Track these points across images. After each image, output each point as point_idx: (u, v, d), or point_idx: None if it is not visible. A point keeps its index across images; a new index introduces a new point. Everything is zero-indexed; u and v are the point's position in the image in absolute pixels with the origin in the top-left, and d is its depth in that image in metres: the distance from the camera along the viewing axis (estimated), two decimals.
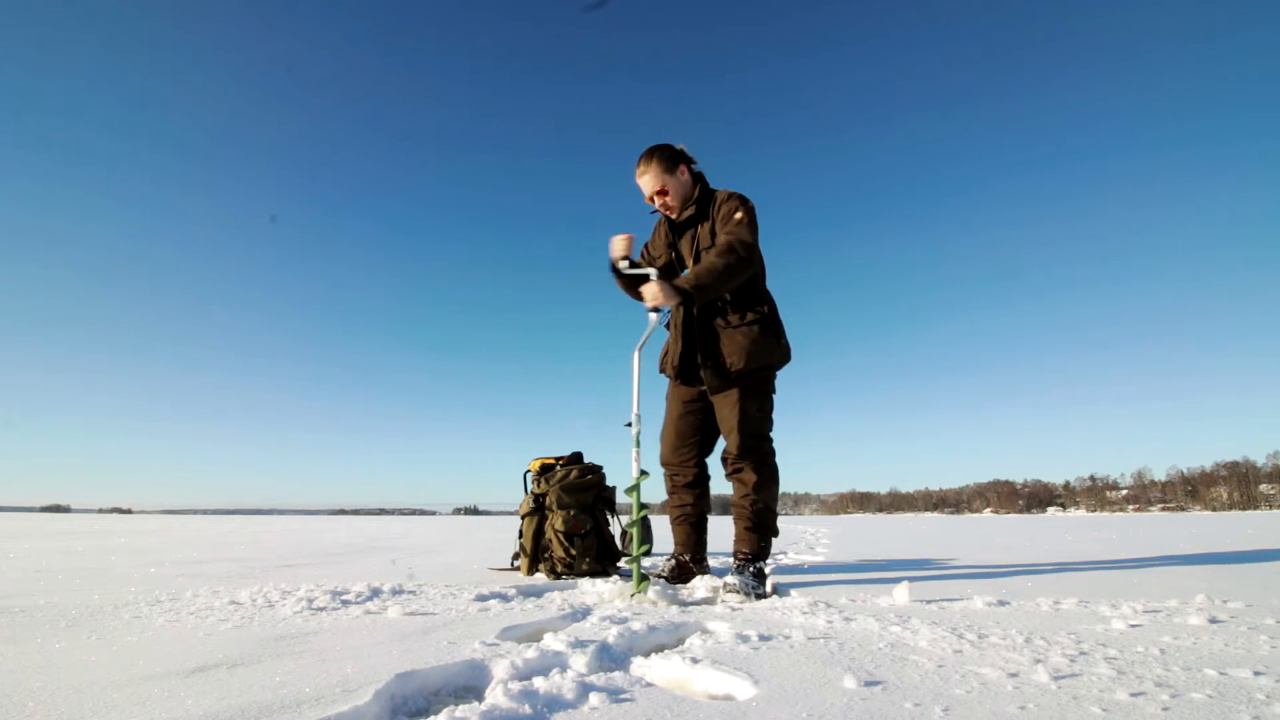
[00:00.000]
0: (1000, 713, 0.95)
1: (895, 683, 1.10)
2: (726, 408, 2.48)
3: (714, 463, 2.70)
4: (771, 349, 2.46)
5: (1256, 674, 1.12)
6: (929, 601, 2.02)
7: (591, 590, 2.39)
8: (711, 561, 3.73)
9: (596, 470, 3.18)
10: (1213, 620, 1.64)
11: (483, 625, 1.65)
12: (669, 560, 2.61)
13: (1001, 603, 1.96)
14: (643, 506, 2.38)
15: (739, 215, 2.42)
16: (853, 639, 1.46)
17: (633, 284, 2.60)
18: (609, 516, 3.17)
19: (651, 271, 2.46)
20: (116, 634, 1.55)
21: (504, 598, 2.20)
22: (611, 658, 1.30)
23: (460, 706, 0.97)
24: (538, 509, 3.08)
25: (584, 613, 1.91)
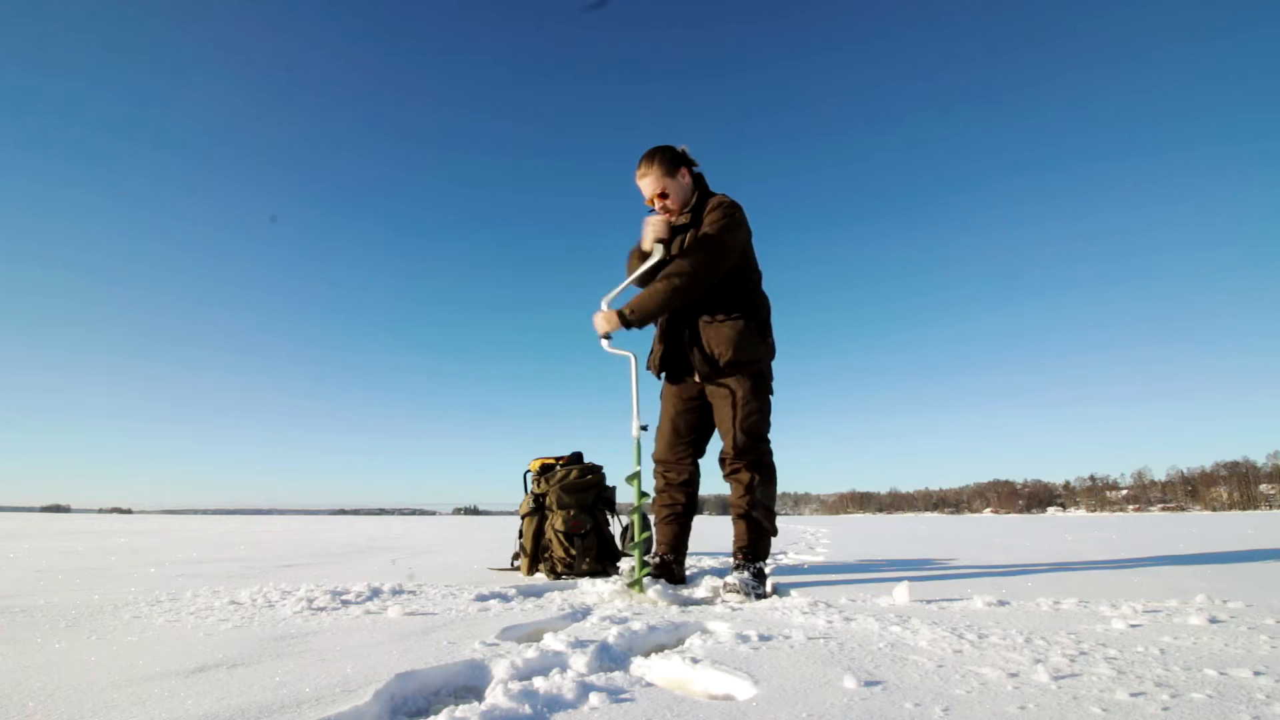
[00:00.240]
0: (1000, 713, 0.95)
1: (895, 683, 1.10)
2: (724, 407, 2.48)
3: (707, 465, 2.70)
4: (756, 345, 2.47)
5: (1256, 674, 1.12)
6: (929, 601, 2.02)
7: (591, 590, 2.39)
8: (711, 561, 3.74)
9: (596, 470, 3.18)
10: (1213, 620, 1.64)
11: (483, 625, 1.65)
12: (653, 558, 2.60)
13: (1001, 603, 1.96)
14: (644, 495, 2.38)
15: (707, 230, 2.43)
16: (853, 639, 1.46)
17: (644, 275, 2.62)
18: (609, 516, 3.17)
19: (604, 300, 2.52)
20: (116, 634, 1.55)
21: (504, 598, 2.20)
22: (611, 658, 1.30)
23: (460, 706, 0.97)
24: (538, 509, 3.08)
25: (584, 613, 1.91)
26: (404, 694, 1.11)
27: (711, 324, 2.47)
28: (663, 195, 2.51)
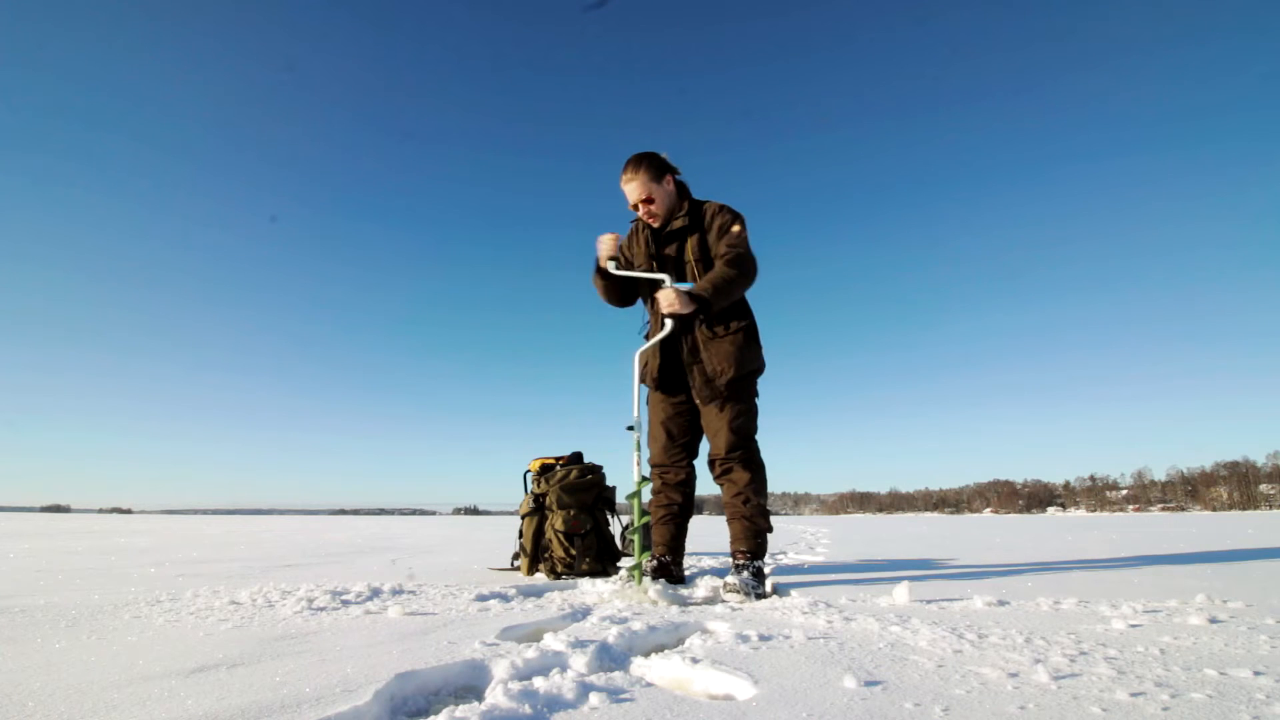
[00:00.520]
0: (1000, 713, 0.95)
1: (895, 683, 1.10)
2: (713, 409, 2.52)
3: (701, 466, 2.71)
4: (755, 356, 2.55)
5: (1256, 674, 1.12)
6: (929, 601, 2.02)
7: (591, 590, 2.39)
8: (710, 561, 3.74)
9: (596, 470, 3.18)
10: (1213, 620, 1.64)
11: (483, 625, 1.65)
12: (650, 560, 2.60)
13: (1001, 603, 1.96)
14: (645, 513, 2.40)
15: (736, 229, 2.48)
16: (853, 639, 1.46)
17: (617, 286, 2.63)
18: (609, 516, 3.17)
19: (665, 277, 2.47)
20: (116, 634, 1.55)
21: (504, 598, 2.20)
22: (611, 658, 1.30)
23: (460, 706, 0.97)
24: (538, 509, 3.08)
25: (584, 613, 1.91)
26: (404, 694, 1.10)
27: (714, 339, 2.49)
28: (648, 201, 2.53)
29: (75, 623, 1.70)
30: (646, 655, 1.33)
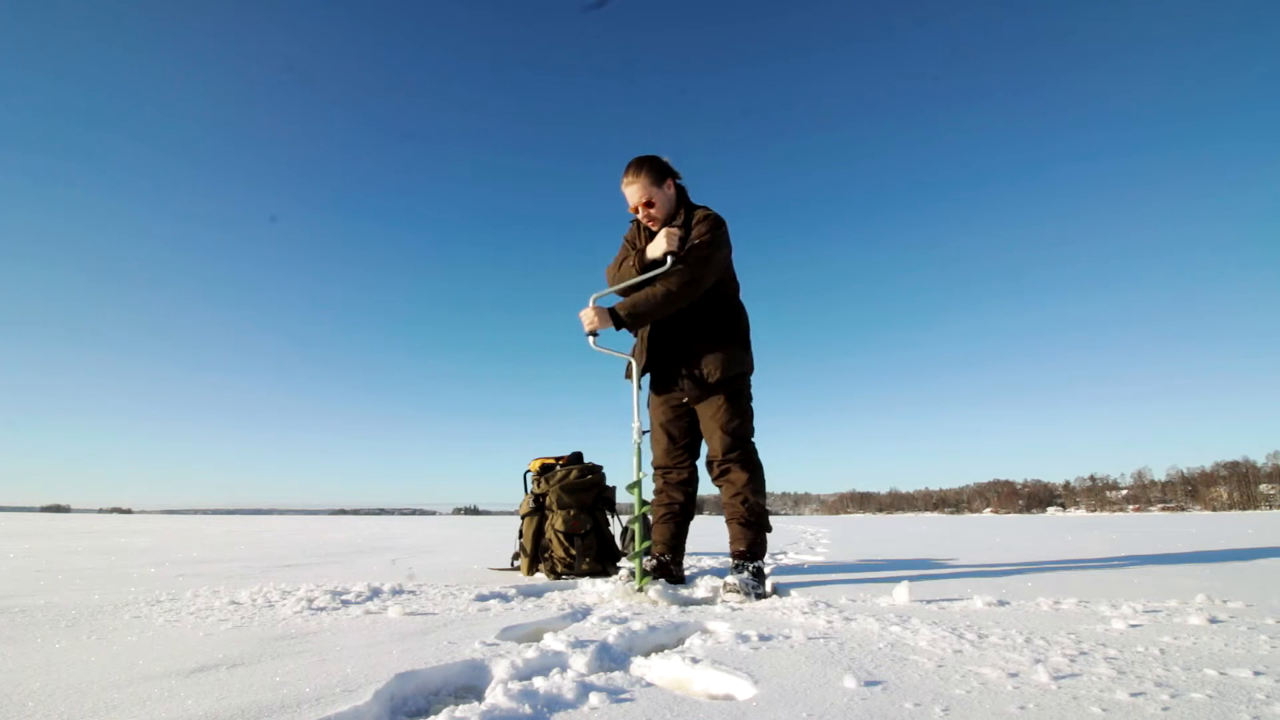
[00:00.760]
0: (1000, 713, 0.95)
1: (895, 683, 1.10)
2: (710, 412, 2.53)
3: (702, 466, 2.71)
4: (743, 359, 2.56)
5: (1256, 674, 1.12)
6: (929, 601, 2.02)
7: (591, 590, 2.39)
8: (710, 561, 3.74)
9: (596, 470, 3.18)
10: (1213, 620, 1.64)
11: (483, 625, 1.65)
12: (650, 560, 2.60)
13: (1001, 603, 1.96)
14: (644, 503, 2.40)
15: (696, 244, 2.45)
16: (853, 639, 1.46)
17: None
18: (609, 516, 3.17)
19: (593, 297, 2.50)
20: (116, 634, 1.55)
21: (504, 598, 2.20)
22: (611, 658, 1.30)
23: (460, 706, 0.98)
24: (538, 509, 3.08)
25: (584, 613, 1.91)
26: (404, 694, 1.11)
27: (702, 344, 2.51)
28: (648, 204, 2.53)
29: (75, 623, 1.70)
30: (646, 655, 1.33)
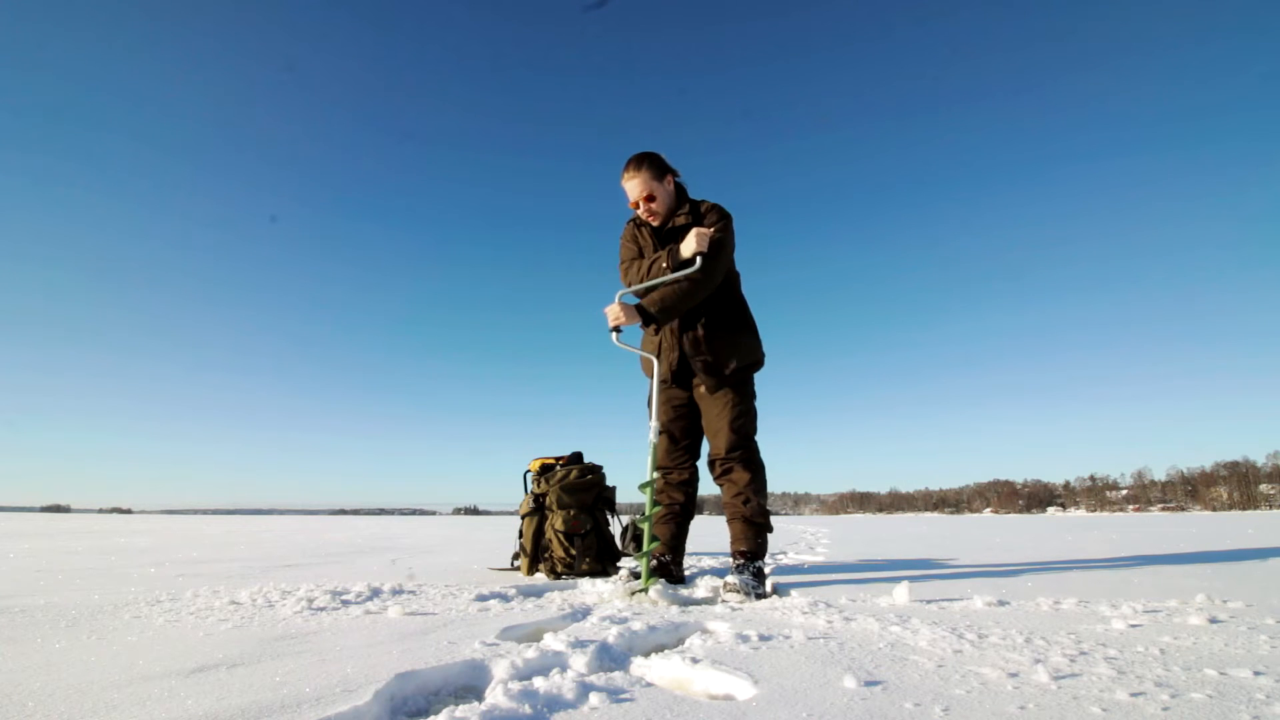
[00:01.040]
0: (1000, 713, 0.95)
1: (895, 683, 1.10)
2: (715, 409, 2.53)
3: (703, 466, 2.71)
4: (756, 348, 2.59)
5: (1256, 674, 1.12)
6: (929, 601, 2.02)
7: (591, 590, 2.39)
8: (711, 561, 3.74)
9: (596, 470, 3.18)
10: (1213, 620, 1.64)
11: (483, 625, 1.65)
12: (650, 560, 2.59)
13: (1001, 603, 1.96)
14: (655, 504, 2.40)
15: (713, 234, 2.45)
16: (853, 639, 1.46)
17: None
18: (609, 516, 3.17)
19: (617, 293, 2.49)
20: (116, 634, 1.55)
21: (504, 598, 2.20)
22: (611, 658, 1.30)
23: (460, 706, 0.97)
24: (538, 509, 3.08)
25: (584, 613, 1.91)
26: (404, 694, 1.10)
27: (718, 333, 2.52)
28: (649, 199, 2.54)
29: (75, 623, 1.70)
30: (646, 655, 1.33)
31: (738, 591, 2.20)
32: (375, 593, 2.24)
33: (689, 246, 2.43)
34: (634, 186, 2.54)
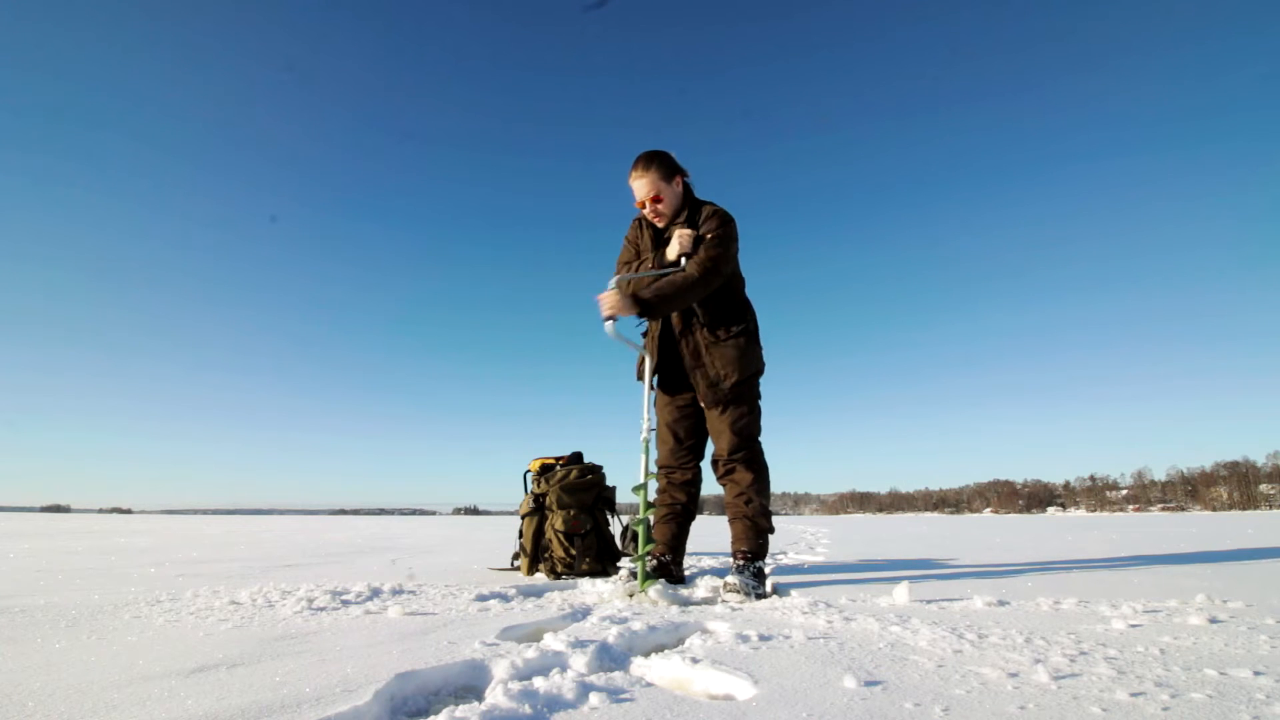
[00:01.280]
0: (1000, 713, 0.95)
1: (895, 683, 1.10)
2: (718, 412, 2.52)
3: (704, 466, 2.70)
4: (756, 357, 2.55)
5: (1256, 674, 1.12)
6: (929, 601, 2.02)
7: (591, 590, 2.39)
8: (711, 561, 3.74)
9: (596, 470, 3.18)
10: (1213, 620, 1.64)
11: (483, 625, 1.65)
12: (650, 560, 2.59)
13: (1001, 603, 1.96)
14: (649, 505, 2.39)
15: (708, 236, 2.44)
16: (853, 639, 1.46)
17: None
18: (609, 516, 3.17)
19: (612, 280, 2.44)
20: (116, 634, 1.55)
21: (504, 598, 2.20)
22: (611, 658, 1.30)
23: (460, 706, 0.97)
24: (538, 509, 3.08)
25: (584, 613, 1.91)
26: (404, 694, 1.10)
27: (716, 344, 2.49)
28: (656, 199, 2.50)
29: (75, 623, 1.70)
30: (646, 655, 1.33)
31: (738, 591, 2.20)
32: (375, 593, 2.24)
33: (673, 249, 2.42)
34: (641, 186, 2.51)
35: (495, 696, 1.02)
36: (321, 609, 1.93)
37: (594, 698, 1.03)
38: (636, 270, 2.54)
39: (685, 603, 2.13)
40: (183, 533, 8.70)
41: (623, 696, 1.05)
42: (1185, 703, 0.97)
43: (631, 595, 2.21)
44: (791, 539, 6.82)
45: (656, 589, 2.15)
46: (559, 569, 2.94)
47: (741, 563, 2.38)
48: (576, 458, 3.27)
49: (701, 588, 2.34)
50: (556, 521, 2.97)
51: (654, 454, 2.63)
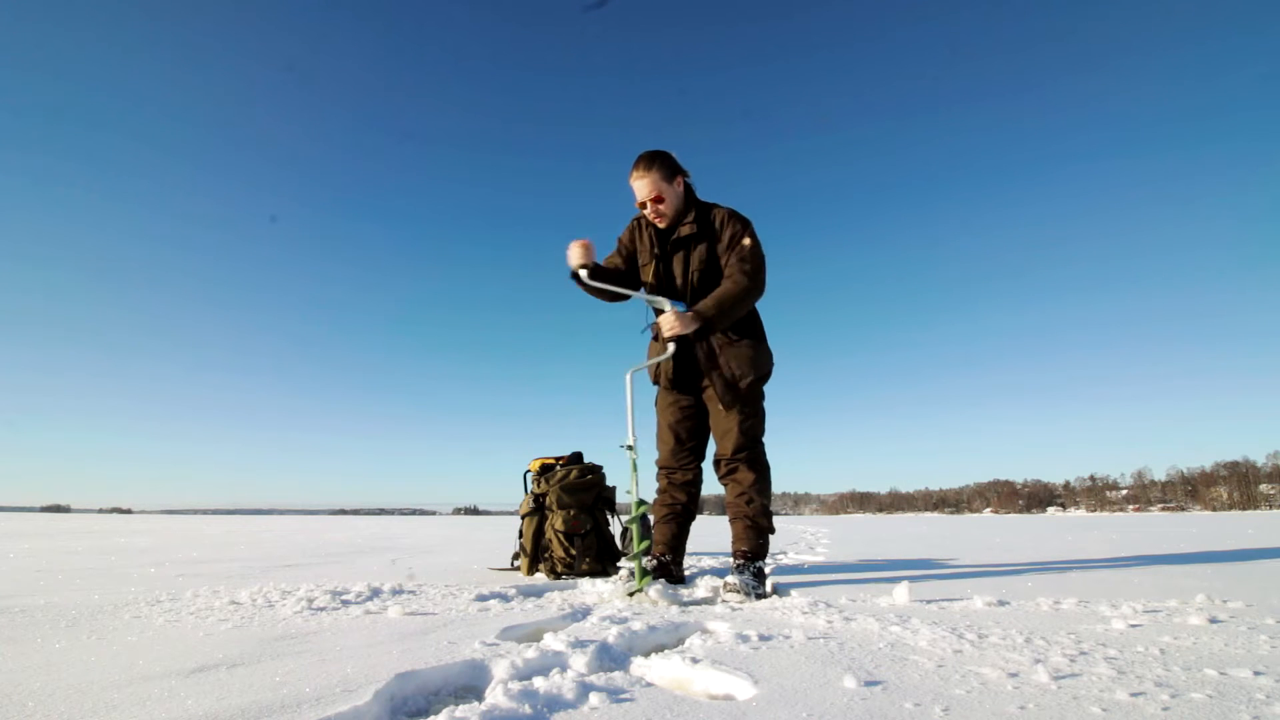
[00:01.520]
0: (1000, 713, 0.95)
1: (895, 683, 1.10)
2: (721, 410, 2.51)
3: (705, 467, 2.69)
4: (768, 359, 2.56)
5: (1256, 674, 1.12)
6: (929, 601, 2.02)
7: (591, 590, 2.39)
8: (710, 561, 3.74)
9: (596, 470, 3.18)
10: (1213, 620, 1.64)
11: (483, 625, 1.65)
12: (650, 560, 2.59)
13: (1001, 603, 1.96)
14: (642, 502, 2.38)
15: (748, 241, 2.45)
16: (853, 639, 1.45)
17: (606, 281, 2.58)
18: (609, 516, 3.17)
19: (666, 303, 2.41)
20: (116, 634, 1.55)
21: (504, 598, 2.20)
22: (611, 658, 1.30)
23: (460, 706, 0.97)
24: (538, 509, 3.08)
25: (584, 613, 1.91)
26: (404, 694, 1.10)
27: (731, 345, 2.50)
28: (658, 200, 2.49)
29: (75, 623, 1.70)
30: (646, 655, 1.33)
31: (738, 591, 2.20)
32: (375, 593, 2.24)
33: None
34: (642, 186, 2.49)
35: (495, 696, 1.02)
36: (321, 609, 1.93)
37: (594, 698, 1.03)
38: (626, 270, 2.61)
39: (685, 603, 2.12)
40: (183, 533, 8.70)
41: (623, 696, 1.05)
42: (1185, 703, 0.97)
43: (631, 594, 2.21)
44: (791, 539, 6.82)
45: (656, 589, 2.15)
46: (559, 569, 2.94)
47: (742, 563, 2.38)
48: (576, 458, 3.27)
49: (701, 588, 2.34)
50: (556, 521, 2.97)
51: (642, 470, 2.60)
